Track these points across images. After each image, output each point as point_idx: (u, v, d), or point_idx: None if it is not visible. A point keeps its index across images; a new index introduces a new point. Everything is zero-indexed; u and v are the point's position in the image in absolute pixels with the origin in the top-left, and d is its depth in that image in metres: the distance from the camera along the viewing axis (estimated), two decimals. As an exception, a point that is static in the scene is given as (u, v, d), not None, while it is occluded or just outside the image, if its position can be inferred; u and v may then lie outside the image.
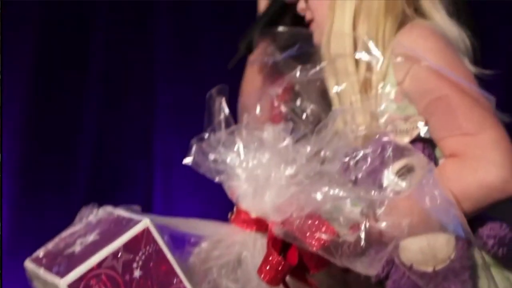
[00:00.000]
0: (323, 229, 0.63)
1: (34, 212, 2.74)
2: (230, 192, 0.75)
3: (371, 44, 0.76)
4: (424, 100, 0.75)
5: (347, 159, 0.65)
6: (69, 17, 2.69)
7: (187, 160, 0.76)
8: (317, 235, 0.63)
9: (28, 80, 2.68)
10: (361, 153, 0.66)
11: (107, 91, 2.69)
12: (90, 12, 2.69)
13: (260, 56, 0.93)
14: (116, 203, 2.63)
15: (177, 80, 2.59)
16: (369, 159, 0.65)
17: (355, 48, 0.78)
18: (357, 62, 0.78)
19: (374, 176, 0.67)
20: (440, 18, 0.80)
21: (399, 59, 0.73)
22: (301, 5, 0.93)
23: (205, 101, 0.84)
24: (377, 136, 0.69)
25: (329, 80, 0.78)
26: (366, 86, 0.77)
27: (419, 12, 0.80)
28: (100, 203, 2.69)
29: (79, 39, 2.71)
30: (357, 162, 0.65)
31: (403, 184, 0.66)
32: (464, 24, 0.92)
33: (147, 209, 2.55)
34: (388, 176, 0.67)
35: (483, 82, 0.80)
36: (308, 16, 0.91)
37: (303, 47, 0.80)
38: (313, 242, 0.63)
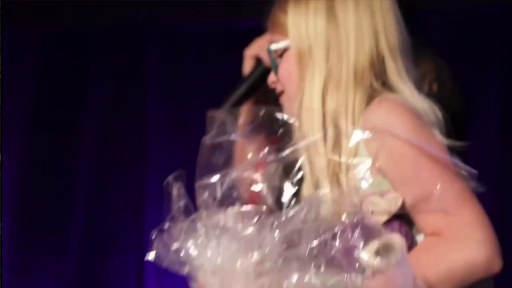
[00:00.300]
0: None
1: (27, 276, 2.70)
2: (196, 286, 0.71)
3: (341, 120, 0.74)
4: (399, 175, 0.73)
5: (317, 241, 0.62)
6: (64, 75, 2.73)
7: (150, 256, 0.70)
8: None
9: (22, 140, 2.70)
10: (331, 234, 0.63)
11: (101, 153, 2.71)
12: (85, 70, 2.75)
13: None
14: (109, 266, 2.57)
15: (170, 144, 2.61)
16: (339, 241, 0.62)
17: (324, 125, 0.76)
18: (326, 139, 0.76)
19: (347, 258, 0.64)
20: (408, 91, 0.77)
21: (370, 134, 0.71)
22: (271, 78, 0.92)
23: (194, 166, 0.81)
24: (349, 215, 0.66)
25: (302, 157, 0.75)
26: (336, 167, 0.74)
27: (387, 85, 0.79)
28: (93, 266, 2.63)
29: (74, 97, 2.74)
30: (327, 244, 0.62)
31: (378, 266, 0.63)
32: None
33: (139, 273, 2.50)
34: (363, 258, 0.63)
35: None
36: (278, 89, 0.90)
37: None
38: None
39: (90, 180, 2.70)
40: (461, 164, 0.72)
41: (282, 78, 0.88)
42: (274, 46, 0.88)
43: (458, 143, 0.76)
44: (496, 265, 0.70)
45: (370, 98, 0.76)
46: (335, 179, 0.74)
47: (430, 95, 0.93)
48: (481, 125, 2.26)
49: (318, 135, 0.74)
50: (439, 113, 0.78)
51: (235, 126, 0.76)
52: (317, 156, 0.74)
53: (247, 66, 1.07)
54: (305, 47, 0.81)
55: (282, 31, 0.85)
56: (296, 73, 0.83)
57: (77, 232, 2.69)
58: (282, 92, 0.90)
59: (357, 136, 0.71)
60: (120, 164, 2.69)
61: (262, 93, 1.05)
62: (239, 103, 1.05)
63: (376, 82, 0.78)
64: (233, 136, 0.71)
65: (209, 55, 2.55)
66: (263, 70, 1.04)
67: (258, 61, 1.04)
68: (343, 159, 0.73)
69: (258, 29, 1.05)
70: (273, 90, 0.94)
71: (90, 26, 2.73)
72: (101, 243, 2.70)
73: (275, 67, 0.90)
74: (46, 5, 2.68)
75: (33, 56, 2.77)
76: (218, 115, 0.78)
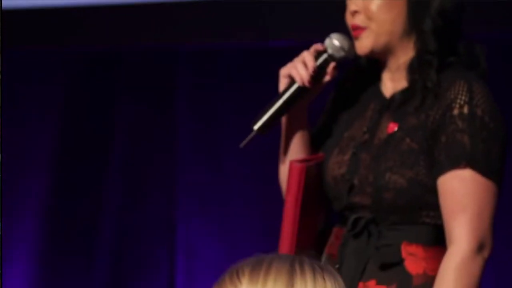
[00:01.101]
0: None
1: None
2: None
3: None
4: None
5: None
6: (92, 96, 2.78)
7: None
8: None
9: (49, 163, 2.75)
10: None
11: (129, 177, 2.73)
12: (113, 90, 2.79)
13: None
14: (140, 286, 2.52)
15: (198, 164, 2.60)
16: None
17: None
18: None
19: None
20: None
21: None
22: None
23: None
24: None
25: None
26: None
27: None
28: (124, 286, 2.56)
29: (102, 117, 2.79)
30: None
31: None
32: None
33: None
34: None
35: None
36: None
37: None
38: None
39: (119, 199, 2.73)
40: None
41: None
42: None
43: None
44: None
45: None
46: None
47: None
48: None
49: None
50: None
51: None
52: None
53: (282, 85, 1.08)
54: None
55: None
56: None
57: (106, 252, 2.71)
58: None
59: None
60: (149, 183, 2.71)
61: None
62: (271, 121, 1.07)
63: None
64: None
65: (241, 74, 2.57)
66: (296, 89, 1.05)
67: (292, 80, 1.05)
68: None
69: (292, 49, 1.05)
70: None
71: (118, 46, 2.77)
72: (130, 263, 2.70)
73: None
74: (72, 24, 2.74)
75: (59, 77, 2.84)
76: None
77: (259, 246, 2.57)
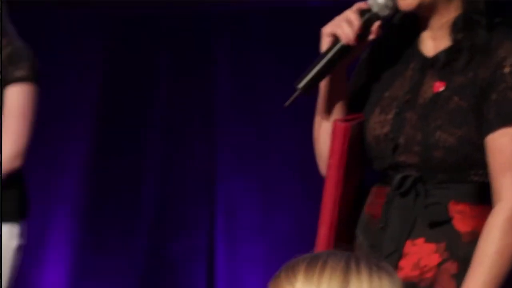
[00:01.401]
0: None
1: (99, 254, 2.85)
2: None
3: None
4: None
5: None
6: (133, 61, 2.83)
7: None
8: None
9: (91, 121, 2.84)
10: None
11: (168, 136, 2.79)
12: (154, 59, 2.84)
13: None
14: (178, 250, 2.66)
15: (237, 123, 2.65)
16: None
17: None
18: None
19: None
20: None
21: None
22: None
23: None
24: None
25: None
26: None
27: None
28: (162, 249, 2.73)
29: (142, 84, 2.84)
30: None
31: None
32: None
33: (209, 255, 2.58)
34: None
35: None
36: None
37: None
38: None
39: (159, 161, 2.80)
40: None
41: None
42: None
43: None
44: None
45: None
46: None
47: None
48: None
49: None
50: None
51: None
52: None
53: (325, 44, 1.08)
54: None
55: None
56: None
57: (148, 212, 2.80)
58: None
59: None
60: (189, 143, 2.76)
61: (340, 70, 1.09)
62: (315, 80, 1.07)
63: None
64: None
65: (280, 34, 2.57)
66: (340, 48, 1.05)
67: (336, 39, 1.05)
68: None
69: (334, 7, 1.05)
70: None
71: (158, 10, 2.80)
72: (171, 223, 2.80)
73: None
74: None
75: (100, 38, 2.89)
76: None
77: (297, 207, 2.60)
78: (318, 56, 1.09)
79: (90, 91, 2.84)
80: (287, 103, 1.07)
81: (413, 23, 1.09)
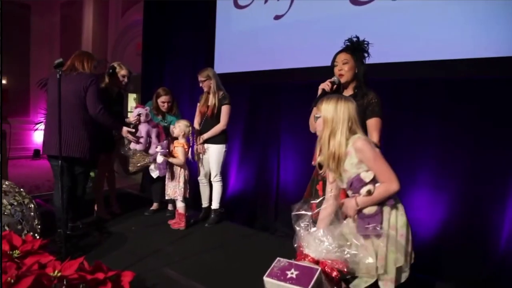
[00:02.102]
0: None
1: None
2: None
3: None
4: (369, 163, 1.91)
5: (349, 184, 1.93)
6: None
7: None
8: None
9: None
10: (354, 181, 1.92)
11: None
12: None
13: None
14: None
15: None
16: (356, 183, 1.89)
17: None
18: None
19: (358, 188, 1.90)
20: (361, 133, 1.95)
21: (357, 148, 1.90)
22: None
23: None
24: (358, 175, 1.88)
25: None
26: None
27: (352, 130, 1.96)
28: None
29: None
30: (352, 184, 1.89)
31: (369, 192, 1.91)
32: None
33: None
34: (364, 189, 1.91)
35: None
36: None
37: None
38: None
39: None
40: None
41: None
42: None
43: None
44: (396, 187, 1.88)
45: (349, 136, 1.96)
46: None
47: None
48: None
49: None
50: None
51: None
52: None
53: (320, 90, 2.53)
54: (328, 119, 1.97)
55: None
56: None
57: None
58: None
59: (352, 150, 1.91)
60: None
61: None
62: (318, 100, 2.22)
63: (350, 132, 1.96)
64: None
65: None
66: (323, 93, 2.45)
67: (323, 89, 2.53)
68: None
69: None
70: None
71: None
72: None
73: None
74: None
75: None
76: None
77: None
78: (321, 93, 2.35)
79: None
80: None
81: (343, 85, 2.55)
